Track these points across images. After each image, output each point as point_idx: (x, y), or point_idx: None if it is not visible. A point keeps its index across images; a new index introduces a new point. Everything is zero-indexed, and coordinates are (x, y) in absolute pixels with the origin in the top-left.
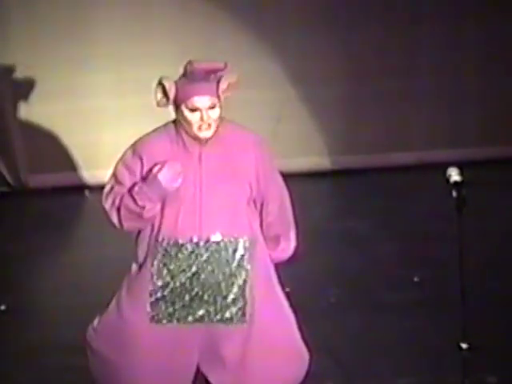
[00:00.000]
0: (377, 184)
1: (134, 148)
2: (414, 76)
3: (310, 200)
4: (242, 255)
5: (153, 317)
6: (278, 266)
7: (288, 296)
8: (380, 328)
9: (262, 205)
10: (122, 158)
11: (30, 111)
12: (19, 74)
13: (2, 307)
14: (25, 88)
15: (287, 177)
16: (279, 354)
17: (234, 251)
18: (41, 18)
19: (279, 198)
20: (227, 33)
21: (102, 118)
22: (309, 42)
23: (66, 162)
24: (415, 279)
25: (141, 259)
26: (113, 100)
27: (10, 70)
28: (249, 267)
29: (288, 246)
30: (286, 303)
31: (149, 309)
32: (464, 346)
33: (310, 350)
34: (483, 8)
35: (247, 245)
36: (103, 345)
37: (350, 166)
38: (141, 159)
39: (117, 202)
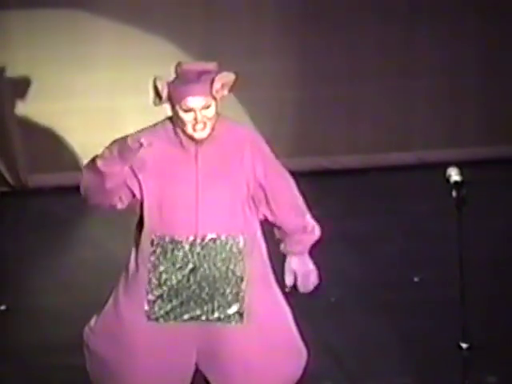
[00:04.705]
0: (377, 184)
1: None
2: (413, 76)
3: (310, 200)
4: (239, 253)
5: (150, 315)
6: (277, 265)
7: (288, 296)
8: (380, 328)
9: (267, 201)
10: None
11: (30, 111)
12: (19, 73)
13: (2, 307)
14: (25, 88)
15: None
16: (278, 352)
17: (231, 249)
18: (40, 17)
19: (287, 189)
20: (227, 33)
21: (101, 118)
22: (309, 42)
23: (66, 161)
24: (415, 279)
25: (137, 257)
26: (113, 100)
27: (9, 69)
28: (245, 265)
29: (312, 227)
30: (283, 301)
31: (146, 307)
32: (464, 345)
33: (308, 347)
34: (483, 7)
35: (244, 242)
36: (100, 344)
37: (350, 165)
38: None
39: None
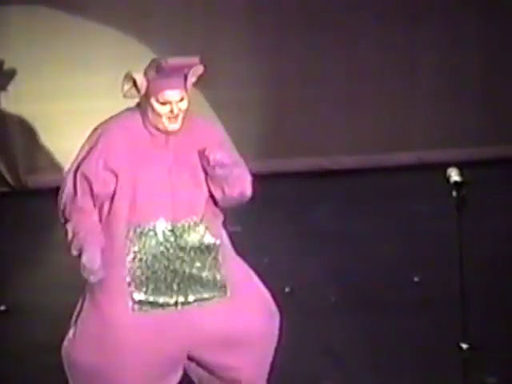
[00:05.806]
0: (377, 184)
1: (101, 131)
2: (413, 76)
3: (310, 200)
4: (211, 234)
5: (132, 305)
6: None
7: (288, 296)
8: (380, 328)
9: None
10: (88, 140)
11: (30, 111)
12: (19, 73)
13: (2, 307)
14: (25, 88)
15: (288, 177)
16: (256, 314)
17: (204, 230)
18: (40, 18)
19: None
20: (227, 33)
21: (101, 119)
22: (309, 42)
23: (66, 162)
24: (415, 279)
25: (112, 249)
26: (112, 100)
27: (9, 70)
28: (218, 244)
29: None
30: (249, 269)
31: (127, 298)
32: (464, 346)
33: (280, 310)
34: (483, 7)
35: (214, 223)
36: (84, 351)
37: (350, 165)
38: (109, 143)
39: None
